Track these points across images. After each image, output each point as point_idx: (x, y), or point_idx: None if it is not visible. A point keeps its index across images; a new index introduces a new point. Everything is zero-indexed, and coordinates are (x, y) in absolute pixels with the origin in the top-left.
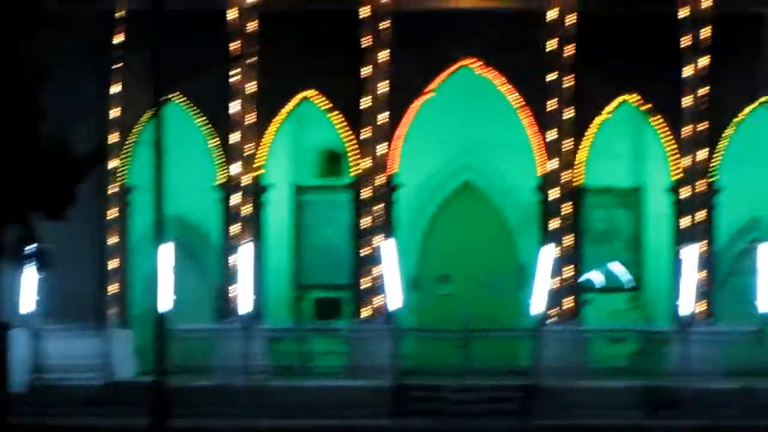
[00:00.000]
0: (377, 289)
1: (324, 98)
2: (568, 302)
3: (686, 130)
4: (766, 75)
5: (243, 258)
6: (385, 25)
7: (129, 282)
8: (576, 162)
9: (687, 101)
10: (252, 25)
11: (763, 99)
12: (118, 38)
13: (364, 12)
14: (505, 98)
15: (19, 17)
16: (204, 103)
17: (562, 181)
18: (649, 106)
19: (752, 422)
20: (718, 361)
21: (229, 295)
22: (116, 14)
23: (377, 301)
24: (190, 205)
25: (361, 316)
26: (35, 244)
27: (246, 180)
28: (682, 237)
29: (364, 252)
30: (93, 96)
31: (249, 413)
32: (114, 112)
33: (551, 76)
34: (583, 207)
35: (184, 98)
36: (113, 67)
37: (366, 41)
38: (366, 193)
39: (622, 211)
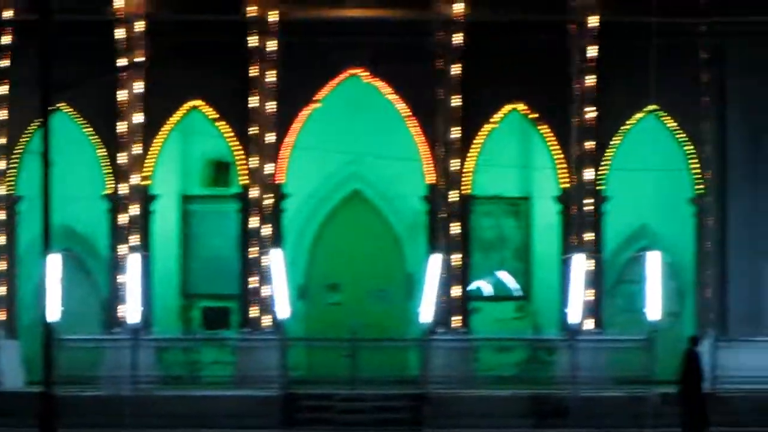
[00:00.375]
0: (265, 298)
1: (211, 108)
2: (456, 311)
3: (574, 139)
4: (653, 83)
5: (131, 268)
6: (272, 33)
7: (16, 292)
8: (464, 171)
9: (574, 110)
10: (139, 35)
11: (649, 108)
12: (6, 40)
13: (251, 21)
14: (393, 107)
15: None
16: (91, 113)
17: (450, 190)
18: (537, 115)
19: (639, 431)
20: (606, 369)
21: (117, 305)
22: (3, 14)
23: (265, 310)
24: (78, 215)
25: (250, 326)
26: None
27: (134, 190)
28: (570, 246)
29: (252, 261)
30: None
31: (137, 423)
32: (1, 114)
33: (438, 85)
34: (471, 216)
35: (72, 108)
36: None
37: (253, 50)
38: (254, 202)
39: (511, 220)
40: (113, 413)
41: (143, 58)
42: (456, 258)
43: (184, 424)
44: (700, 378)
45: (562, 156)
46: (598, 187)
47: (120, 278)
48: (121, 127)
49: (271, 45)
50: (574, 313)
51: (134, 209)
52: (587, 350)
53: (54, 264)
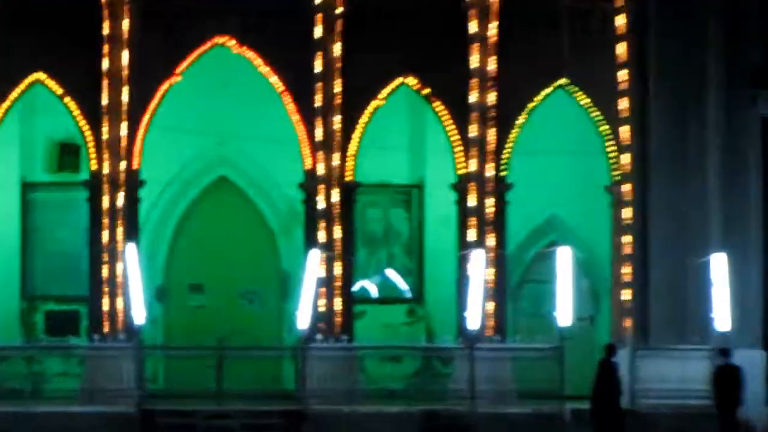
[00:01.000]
0: (118, 300)
1: (56, 82)
2: (338, 315)
3: (472, 118)
4: (564, 54)
5: None
6: None
7: None
8: (346, 155)
9: (473, 85)
10: None
11: (559, 82)
12: None
13: None
14: (266, 82)
15: None
16: None
17: (331, 176)
18: (430, 90)
19: None
20: (509, 382)
21: None
22: None
23: (118, 314)
24: None
25: (100, 333)
26: None
27: None
28: (468, 240)
29: (104, 258)
30: None
31: None
32: None
33: (317, 55)
34: (355, 206)
35: None
36: None
37: (104, 14)
38: (105, 190)
39: (400, 211)
40: None
41: None
42: (338, 254)
43: None
44: (616, 392)
45: (458, 138)
46: (500, 174)
47: None
48: None
49: (125, 9)
50: (473, 318)
51: None
52: (488, 360)
53: None
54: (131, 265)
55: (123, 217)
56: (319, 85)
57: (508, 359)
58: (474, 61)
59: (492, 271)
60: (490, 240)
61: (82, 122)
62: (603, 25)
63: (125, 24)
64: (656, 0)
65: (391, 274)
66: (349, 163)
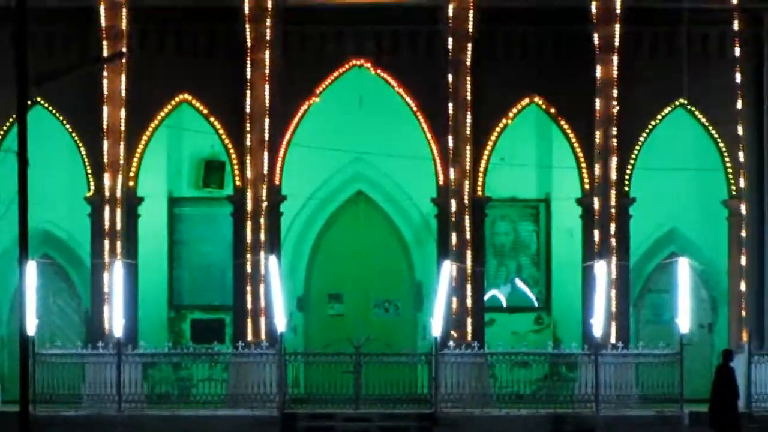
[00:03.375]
0: (261, 310)
1: (202, 102)
2: (469, 323)
3: (596, 136)
4: (684, 75)
5: (114, 276)
6: (269, 21)
7: None
8: (477, 170)
9: (597, 104)
10: (123, 22)
11: (679, 101)
12: None
13: (247, 8)
14: (401, 101)
15: None
16: (71, 108)
17: (463, 191)
18: (556, 109)
19: None
20: (631, 386)
21: (100, 317)
22: None
23: (261, 323)
24: (58, 219)
25: (244, 340)
26: None
27: (118, 192)
28: (593, 251)
29: (247, 270)
30: None
31: None
32: None
33: (449, 78)
34: (485, 219)
35: (51, 102)
36: None
37: (247, 39)
38: (249, 205)
39: (528, 224)
40: None
41: (126, 48)
42: (469, 265)
43: None
44: (734, 396)
45: (583, 154)
46: (623, 188)
47: (103, 288)
48: (105, 122)
49: (268, 34)
50: (598, 326)
51: (119, 212)
52: (612, 366)
53: (31, 272)
54: (273, 276)
55: (265, 230)
56: (451, 105)
57: (631, 365)
58: (599, 81)
59: (615, 281)
60: (614, 252)
61: (227, 140)
62: (721, 47)
63: (267, 52)
64: None
65: (519, 284)
66: (480, 179)
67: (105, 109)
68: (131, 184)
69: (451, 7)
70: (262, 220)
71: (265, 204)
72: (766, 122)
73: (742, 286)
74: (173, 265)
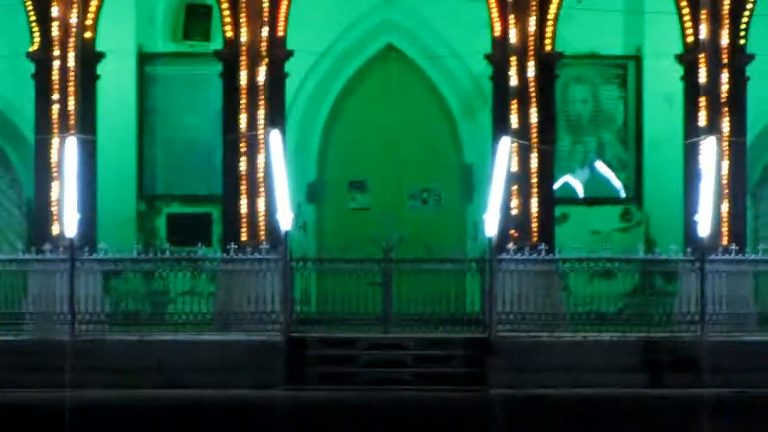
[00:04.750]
0: (259, 201)
1: None
2: (534, 219)
3: None
4: None
5: (66, 157)
6: None
7: None
8: (546, 19)
9: None
10: None
11: None
12: None
13: None
14: None
15: None
16: None
17: (527, 45)
18: None
19: None
20: (748, 303)
21: (47, 210)
22: None
23: (260, 218)
24: None
25: (237, 241)
26: None
27: (71, 45)
28: (698, 125)
29: (241, 148)
30: None
31: (79, 379)
32: None
33: None
34: (555, 82)
35: None
36: None
37: None
38: (243, 63)
39: (613, 88)
40: (46, 364)
41: None
42: (534, 143)
43: (145, 381)
44: None
45: None
46: (738, 42)
47: (51, 172)
48: None
49: None
50: (705, 223)
51: (72, 73)
52: (722, 276)
53: None
54: (276, 157)
55: (265, 96)
56: None
57: (748, 274)
58: None
59: (727, 164)
60: (726, 125)
61: None
62: None
63: None
64: None
65: (601, 167)
66: (549, 29)
67: None
68: (88, 34)
69: None
70: (261, 83)
71: (265, 61)
72: None
73: None
74: (144, 143)
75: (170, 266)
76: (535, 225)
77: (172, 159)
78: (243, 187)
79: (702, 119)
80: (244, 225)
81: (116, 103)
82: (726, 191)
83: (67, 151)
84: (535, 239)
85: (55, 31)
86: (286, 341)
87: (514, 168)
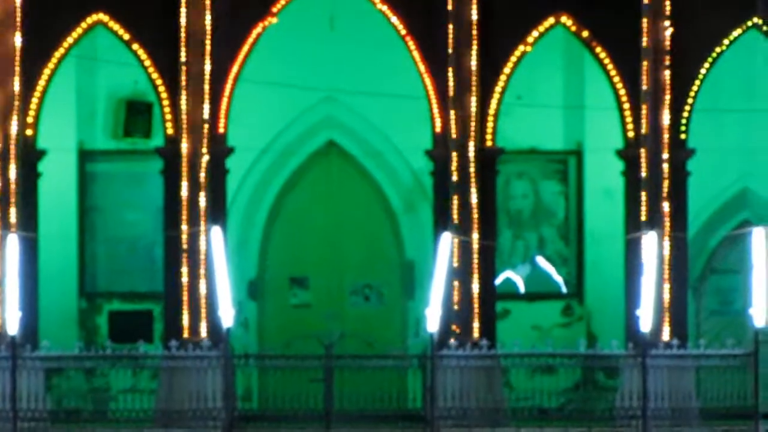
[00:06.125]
0: (201, 298)
1: (122, 24)
2: (475, 315)
3: (644, 67)
4: None
5: (7, 254)
6: None
7: None
8: (486, 114)
9: (645, 24)
10: None
11: (752, 20)
12: None
13: None
14: (384, 22)
15: None
16: None
17: (467, 140)
18: (590, 32)
19: None
20: (690, 397)
21: None
22: None
23: (201, 315)
24: None
25: (179, 338)
26: None
27: (12, 142)
28: (639, 220)
29: (183, 245)
30: None
31: None
32: None
33: None
34: (496, 178)
35: None
36: None
37: None
38: (184, 160)
39: (553, 183)
40: None
41: None
42: (475, 239)
43: None
44: None
45: (626, 91)
46: (678, 136)
47: None
48: None
49: None
50: (646, 318)
51: (12, 170)
52: (664, 370)
53: None
54: (217, 254)
55: (206, 193)
56: (451, 27)
57: (690, 369)
58: None
59: (668, 258)
60: (667, 220)
61: (155, 75)
62: None
63: None
64: None
65: (542, 262)
66: (490, 125)
67: None
68: (29, 132)
69: None
70: (202, 180)
71: (205, 158)
72: None
73: None
74: (85, 240)
75: (112, 363)
76: (476, 321)
77: (114, 256)
78: (184, 284)
79: (643, 214)
80: (185, 322)
81: (57, 200)
82: (667, 286)
83: (8, 249)
84: (476, 335)
85: None
86: None
87: (456, 263)
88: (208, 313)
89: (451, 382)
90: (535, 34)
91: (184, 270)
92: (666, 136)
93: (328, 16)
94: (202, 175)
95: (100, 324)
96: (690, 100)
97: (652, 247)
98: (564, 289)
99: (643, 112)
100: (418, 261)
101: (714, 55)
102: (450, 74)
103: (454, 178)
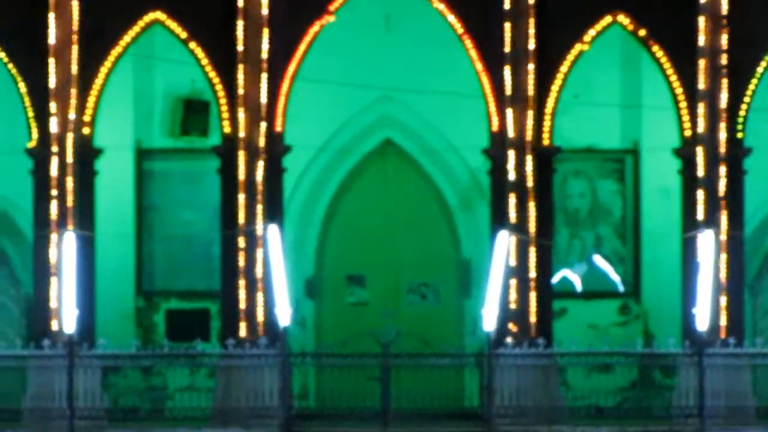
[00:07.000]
0: (258, 297)
1: (180, 23)
2: (532, 314)
3: (700, 66)
4: None
5: (64, 253)
6: None
7: None
8: (543, 113)
9: (701, 25)
10: None
11: None
12: None
13: None
14: (442, 21)
15: None
16: (6, 28)
17: (524, 139)
18: (647, 31)
19: None
20: (746, 395)
21: (45, 306)
22: None
23: (258, 314)
24: None
25: (236, 337)
26: None
27: (69, 141)
28: (696, 218)
29: (239, 244)
30: None
31: None
32: None
33: None
34: (553, 176)
35: None
36: None
37: None
38: (241, 159)
39: (610, 182)
40: None
41: None
42: (532, 237)
43: None
44: None
45: (683, 90)
46: (735, 135)
47: (49, 268)
48: (50, 50)
49: None
50: (703, 317)
51: (69, 169)
52: (721, 369)
53: None
54: (274, 252)
55: (263, 191)
56: (509, 25)
57: (746, 368)
58: None
59: (725, 257)
60: (723, 218)
61: (212, 73)
62: None
63: None
64: None
65: (599, 261)
66: (547, 124)
67: (51, 32)
68: (86, 131)
69: None
70: (259, 178)
71: (263, 156)
72: None
73: None
74: (142, 238)
75: (169, 362)
76: (533, 319)
77: (171, 254)
78: (241, 283)
79: (700, 213)
80: (242, 320)
81: (114, 198)
82: (724, 284)
83: (65, 247)
84: (533, 334)
85: (53, 128)
86: None
87: (513, 262)
88: (265, 311)
89: (508, 380)
90: (592, 32)
91: (241, 269)
92: (723, 135)
93: (384, 15)
94: (259, 173)
95: (157, 322)
96: (747, 99)
97: (709, 245)
98: (621, 288)
99: (700, 111)
100: (475, 259)
101: None
102: (507, 73)
103: (511, 176)
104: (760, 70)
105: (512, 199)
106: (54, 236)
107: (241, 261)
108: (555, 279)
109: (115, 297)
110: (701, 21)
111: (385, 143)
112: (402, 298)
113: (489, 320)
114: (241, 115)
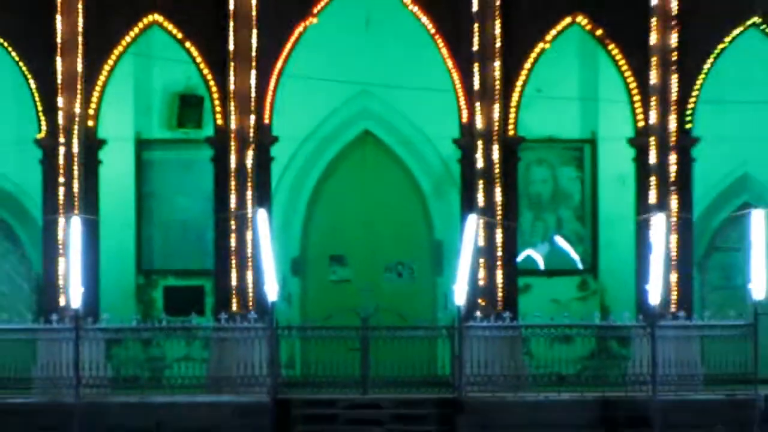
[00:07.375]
0: (248, 275)
1: (176, 24)
2: (499, 290)
3: (652, 62)
4: None
5: (71, 235)
6: None
7: None
8: (509, 106)
9: (653, 24)
10: None
11: (752, 20)
12: None
13: None
14: (415, 22)
15: None
16: (17, 29)
17: (491, 130)
18: (603, 31)
19: None
20: (695, 364)
21: (54, 284)
22: None
23: (248, 290)
24: (2, 166)
25: (228, 311)
26: None
27: (75, 133)
28: (648, 203)
29: (231, 226)
30: None
31: None
32: None
33: None
34: (518, 164)
35: None
36: None
37: None
38: (232, 148)
39: (570, 169)
40: (51, 425)
41: None
42: (499, 220)
43: None
44: None
45: (636, 85)
46: (684, 126)
47: (57, 249)
48: (57, 48)
49: None
50: (655, 292)
51: (75, 158)
52: (671, 340)
53: None
54: (263, 234)
55: (253, 179)
56: (477, 26)
57: (695, 338)
58: None
59: (675, 238)
60: (674, 202)
61: (206, 70)
62: None
63: None
64: None
65: (560, 241)
66: (512, 116)
67: (58, 31)
68: (91, 123)
69: None
70: (248, 166)
71: (252, 146)
72: None
73: None
74: (142, 222)
75: (167, 334)
76: (500, 295)
77: (168, 236)
78: (233, 262)
79: (652, 197)
80: (234, 296)
81: (117, 186)
82: (674, 263)
83: (72, 230)
84: (500, 308)
85: (60, 120)
86: (273, 402)
87: (481, 243)
88: (254, 288)
89: (477, 350)
90: (553, 32)
91: (233, 249)
92: (673, 125)
93: (364, 17)
94: (249, 162)
95: (156, 298)
96: (695, 93)
97: (661, 227)
98: (580, 266)
99: (652, 103)
100: (447, 241)
101: (717, 51)
102: (476, 69)
103: (480, 164)
104: (707, 66)
105: (480, 185)
106: (61, 220)
107: (233, 242)
108: (520, 258)
109: (118, 275)
110: (653, 21)
111: (364, 134)
112: (380, 276)
113: (459, 296)
114: (232, 108)
